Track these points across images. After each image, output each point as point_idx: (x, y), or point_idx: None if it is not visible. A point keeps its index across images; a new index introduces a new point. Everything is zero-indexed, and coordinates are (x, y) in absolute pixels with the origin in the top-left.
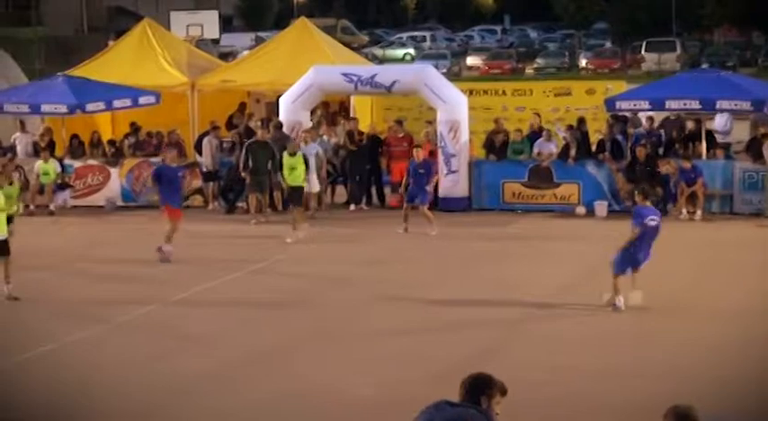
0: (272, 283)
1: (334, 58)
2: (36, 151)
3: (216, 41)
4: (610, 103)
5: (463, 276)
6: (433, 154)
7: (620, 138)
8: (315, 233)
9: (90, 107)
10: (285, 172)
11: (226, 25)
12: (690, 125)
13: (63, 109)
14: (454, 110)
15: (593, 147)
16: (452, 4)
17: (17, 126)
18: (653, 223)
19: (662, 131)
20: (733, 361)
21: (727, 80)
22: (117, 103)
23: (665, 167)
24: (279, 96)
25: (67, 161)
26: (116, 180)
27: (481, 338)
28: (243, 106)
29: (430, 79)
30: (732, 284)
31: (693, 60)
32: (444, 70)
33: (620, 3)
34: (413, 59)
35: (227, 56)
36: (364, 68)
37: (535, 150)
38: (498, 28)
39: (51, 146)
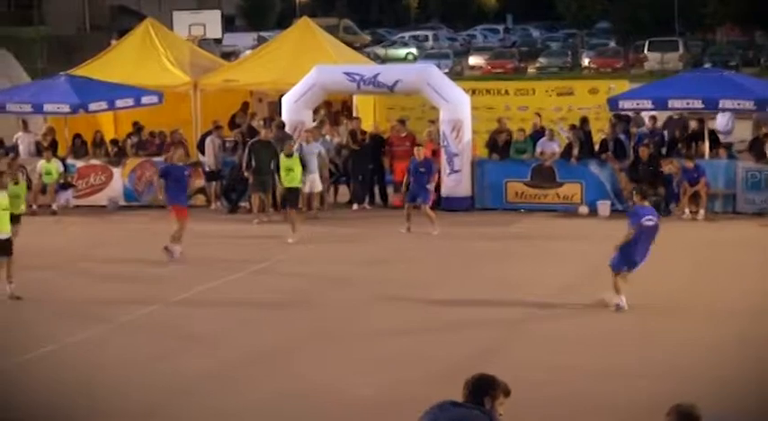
0: (274, 283)
1: (337, 57)
2: (38, 151)
3: (218, 41)
4: (612, 103)
5: (465, 276)
6: (435, 153)
7: (622, 137)
8: (317, 233)
9: (93, 107)
10: (282, 173)
11: (228, 25)
12: (693, 124)
13: (66, 108)
14: (457, 109)
15: (596, 147)
16: (455, 4)
17: (19, 125)
18: (650, 223)
19: (665, 131)
20: (733, 361)
21: (730, 80)
22: (120, 103)
23: (668, 167)
24: (281, 96)
25: (70, 161)
26: (118, 180)
27: (482, 338)
28: (246, 106)
29: (432, 79)
30: (733, 284)
31: (696, 60)
32: (447, 70)
33: (622, 2)
34: (415, 59)
35: (229, 55)
36: (367, 68)
37: (538, 150)
38: (501, 27)
39: (54, 145)
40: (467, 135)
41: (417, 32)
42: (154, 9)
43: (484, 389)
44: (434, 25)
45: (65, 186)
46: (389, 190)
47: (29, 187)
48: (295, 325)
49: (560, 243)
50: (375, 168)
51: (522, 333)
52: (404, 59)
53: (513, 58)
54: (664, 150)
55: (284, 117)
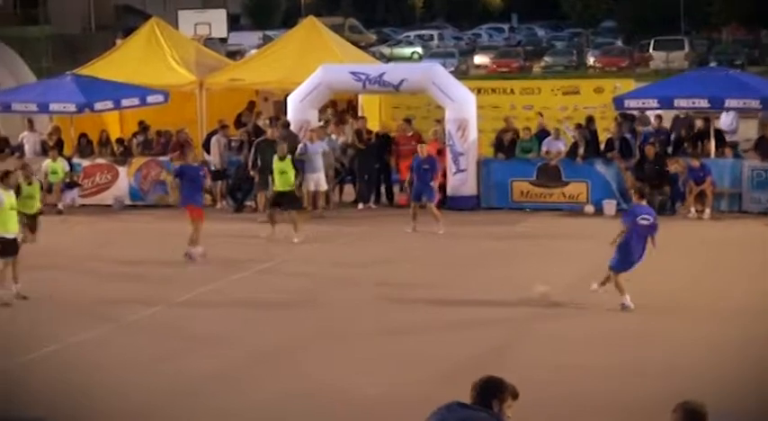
0: (279, 283)
1: (343, 56)
2: (44, 150)
3: (224, 40)
4: (618, 102)
5: (471, 275)
6: (441, 152)
7: (628, 136)
8: (322, 232)
9: (98, 106)
10: (275, 175)
11: (233, 24)
12: (699, 123)
13: (71, 108)
14: (462, 108)
15: (602, 146)
16: (460, 3)
17: (25, 125)
18: (644, 222)
19: (671, 130)
20: (735, 360)
21: (736, 79)
22: (125, 102)
23: (674, 166)
24: (287, 95)
25: (76, 160)
26: (124, 179)
27: (488, 337)
28: (252, 105)
29: (438, 78)
30: (737, 283)
31: (701, 59)
32: (452, 69)
33: (628, 1)
34: (420, 58)
35: (234, 54)
36: (372, 67)
37: (543, 149)
38: (506, 26)
39: (60, 144)
40: (472, 134)
41: (423, 31)
42: (159, 8)
43: (492, 392)
44: (440, 24)
45: (71, 185)
46: (395, 189)
47: None
48: (300, 324)
49: (566, 242)
50: (381, 167)
51: (527, 332)
52: (409, 58)
53: (519, 58)
54: (669, 149)
55: (290, 116)
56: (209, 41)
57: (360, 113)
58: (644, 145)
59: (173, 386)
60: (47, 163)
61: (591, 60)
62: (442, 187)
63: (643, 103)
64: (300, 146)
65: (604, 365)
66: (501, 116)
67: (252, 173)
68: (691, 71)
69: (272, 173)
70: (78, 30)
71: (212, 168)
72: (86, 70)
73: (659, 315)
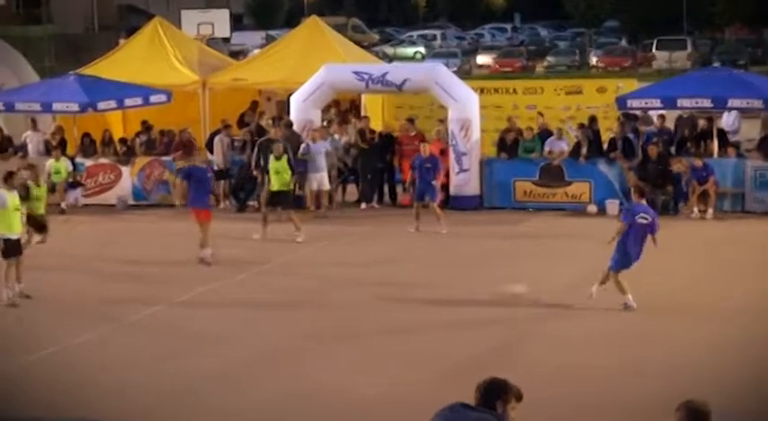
0: (281, 283)
1: (346, 56)
2: (47, 150)
3: (226, 40)
4: (621, 102)
5: (473, 275)
6: (444, 152)
7: (631, 136)
8: (325, 232)
9: (101, 105)
10: (271, 175)
11: (236, 24)
12: (702, 123)
13: (74, 107)
14: (465, 108)
15: (605, 146)
16: (463, 3)
17: (28, 124)
18: (642, 221)
19: (672, 129)
20: (735, 360)
21: (739, 78)
22: (128, 102)
23: (677, 166)
24: (290, 95)
25: (79, 159)
26: (127, 178)
27: (488, 337)
28: (255, 105)
29: (441, 77)
30: (740, 283)
31: (704, 59)
32: (455, 68)
33: (630, 1)
34: (423, 58)
35: (237, 54)
36: (375, 67)
37: (546, 149)
38: (509, 26)
39: (63, 144)
40: (475, 134)
41: (425, 31)
42: (162, 8)
43: (496, 394)
44: (442, 24)
45: (74, 185)
46: (398, 189)
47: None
48: (301, 324)
49: (569, 242)
50: (384, 167)
51: (527, 332)
52: (412, 58)
53: (522, 57)
54: (673, 149)
55: (293, 116)
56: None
57: (363, 113)
58: (647, 145)
59: (173, 386)
60: (50, 162)
61: (594, 60)
62: (445, 187)
63: (646, 103)
64: (303, 145)
65: (604, 365)
66: (504, 116)
67: (255, 172)
68: (694, 71)
69: (267, 172)
70: (81, 29)
71: (215, 168)
72: (89, 70)
73: (659, 315)
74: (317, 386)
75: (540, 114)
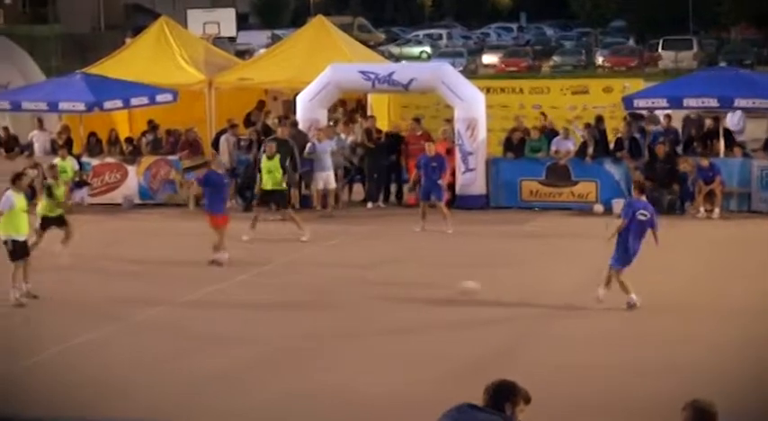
0: (285, 283)
1: (352, 55)
2: (54, 149)
3: (232, 39)
4: (627, 102)
5: (478, 275)
6: (450, 152)
7: (637, 136)
8: (331, 231)
9: (108, 105)
10: (263, 174)
11: (242, 23)
12: (708, 123)
13: (81, 107)
14: (471, 108)
15: (611, 145)
16: (469, 2)
17: (35, 124)
18: (642, 218)
19: (678, 129)
20: (734, 360)
21: (745, 78)
22: (134, 101)
23: (683, 165)
24: (296, 94)
25: (85, 159)
26: (133, 178)
27: (488, 338)
28: (261, 104)
29: (447, 77)
30: (740, 283)
31: (710, 58)
32: (460, 68)
33: (637, 1)
34: (429, 57)
35: (243, 54)
36: (381, 66)
37: (553, 148)
38: (515, 26)
39: (69, 143)
40: (481, 133)
41: (431, 31)
42: (168, 7)
43: (505, 395)
44: (448, 23)
45: (80, 184)
46: (405, 188)
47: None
48: (305, 324)
49: (575, 241)
50: (390, 167)
51: (528, 332)
52: (418, 58)
53: (528, 57)
54: (679, 149)
55: (299, 115)
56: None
57: (369, 113)
58: (653, 144)
59: (176, 386)
60: (56, 162)
61: (600, 60)
62: (451, 186)
63: (652, 103)
64: (309, 145)
65: (604, 365)
66: (510, 115)
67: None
68: (700, 71)
69: (260, 172)
70: (88, 29)
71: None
72: (96, 69)
73: (659, 315)
74: (319, 386)
75: (543, 114)
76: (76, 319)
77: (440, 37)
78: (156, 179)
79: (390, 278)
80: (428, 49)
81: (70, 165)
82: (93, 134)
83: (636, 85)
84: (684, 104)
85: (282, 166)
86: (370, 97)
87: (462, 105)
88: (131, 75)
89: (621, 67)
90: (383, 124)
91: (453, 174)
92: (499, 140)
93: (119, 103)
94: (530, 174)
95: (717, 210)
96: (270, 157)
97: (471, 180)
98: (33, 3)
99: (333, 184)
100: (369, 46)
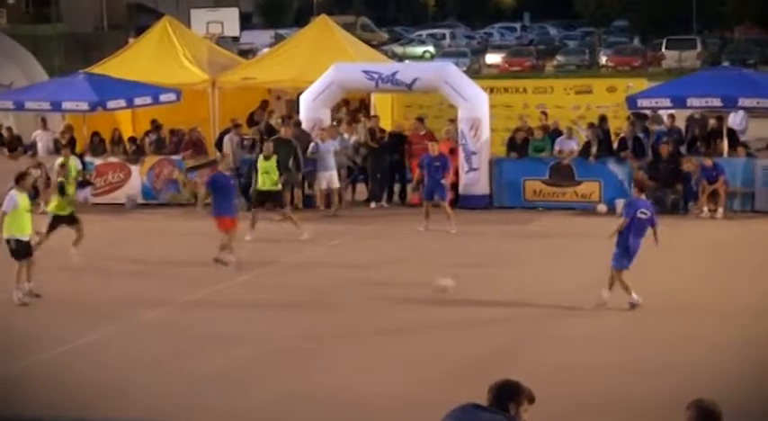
0: (288, 282)
1: (355, 55)
2: (57, 148)
3: (236, 39)
4: (631, 101)
5: (481, 274)
6: (453, 151)
7: (641, 135)
8: (335, 231)
9: (111, 104)
10: (259, 175)
11: (245, 22)
12: (712, 123)
13: (84, 106)
14: (475, 107)
15: (615, 145)
16: (472, 2)
17: (38, 123)
18: (642, 216)
19: (682, 129)
20: (734, 360)
21: (749, 78)
22: (138, 101)
23: (687, 165)
24: (299, 94)
25: (88, 158)
26: (137, 177)
27: (488, 338)
28: (265, 104)
29: (451, 77)
30: (742, 283)
31: (714, 58)
32: (464, 68)
33: (640, 0)
34: (432, 57)
35: (246, 53)
36: (385, 66)
37: (556, 148)
38: (518, 25)
39: (72, 143)
40: (485, 133)
41: (434, 30)
42: (171, 7)
43: (509, 395)
44: (451, 23)
45: (83, 184)
46: (408, 188)
47: (48, 185)
48: (306, 324)
49: (578, 241)
50: (394, 166)
51: (529, 332)
52: (421, 57)
53: (531, 57)
54: (683, 149)
55: (302, 115)
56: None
57: (372, 112)
58: (657, 144)
59: (176, 386)
60: (59, 161)
61: (603, 59)
62: (455, 186)
63: (656, 103)
64: (312, 144)
65: (604, 365)
66: (514, 115)
67: None
68: (703, 70)
69: (256, 172)
70: (90, 28)
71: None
72: (99, 69)
73: (659, 315)
74: (319, 386)
75: (544, 114)
76: (78, 319)
77: (443, 36)
78: (159, 179)
79: (393, 278)
80: (431, 48)
81: (73, 164)
82: (96, 134)
83: (639, 84)
84: (688, 104)
85: (286, 166)
86: (373, 97)
87: (466, 105)
88: (134, 74)
89: (625, 67)
90: (386, 124)
91: (457, 173)
92: (503, 140)
93: (122, 103)
94: (533, 173)
95: (720, 210)
96: (267, 158)
97: (475, 180)
98: (36, 2)
99: (336, 184)
100: (372, 45)
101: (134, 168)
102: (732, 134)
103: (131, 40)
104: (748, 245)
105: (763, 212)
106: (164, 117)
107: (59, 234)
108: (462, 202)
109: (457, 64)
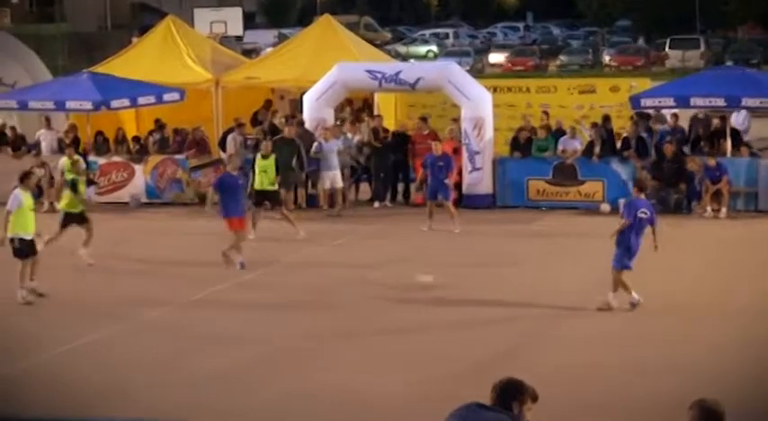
0: (290, 282)
1: (359, 55)
2: (61, 148)
3: (239, 38)
4: (635, 101)
5: (484, 274)
6: (457, 151)
7: (644, 135)
8: (338, 230)
9: (115, 104)
10: (257, 175)
11: (249, 22)
12: (715, 122)
13: (88, 105)
14: (478, 107)
15: (618, 145)
16: (475, 1)
17: (42, 123)
18: (643, 216)
19: (685, 128)
20: (734, 360)
21: (752, 77)
22: (141, 100)
23: (690, 165)
24: (303, 93)
25: (92, 158)
26: (140, 177)
27: (489, 338)
28: (268, 103)
29: (454, 76)
30: (743, 283)
31: (717, 58)
32: (467, 67)
33: (643, 0)
34: (435, 57)
35: (250, 53)
36: (388, 65)
37: (560, 147)
38: (521, 25)
39: (76, 142)
40: (488, 133)
41: (438, 30)
42: (175, 6)
43: (512, 394)
44: (455, 23)
45: (87, 183)
46: (412, 188)
47: (52, 184)
48: (308, 324)
49: (581, 240)
50: (397, 166)
51: (529, 332)
52: (424, 57)
53: (534, 56)
54: (686, 148)
55: (306, 115)
56: (224, 39)
57: (376, 112)
58: (660, 144)
59: (176, 386)
60: (63, 160)
61: (606, 59)
62: (458, 185)
63: (659, 102)
64: (315, 144)
65: (605, 365)
66: (517, 115)
67: None
68: (707, 70)
69: (254, 171)
70: (94, 28)
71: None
72: (102, 68)
73: (659, 315)
74: (319, 386)
75: (545, 113)
76: (79, 319)
77: (446, 36)
78: (162, 178)
79: (396, 277)
80: (435, 48)
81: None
82: (100, 133)
83: (643, 84)
84: (691, 104)
85: (289, 166)
86: (376, 96)
87: (469, 104)
88: (138, 74)
89: (628, 67)
90: (390, 123)
91: (460, 173)
92: (506, 140)
93: (126, 102)
94: (537, 173)
95: (724, 210)
96: (265, 157)
97: (478, 179)
98: (40, 2)
99: (340, 184)
100: (375, 45)
101: (138, 167)
102: (735, 134)
103: (135, 40)
104: (751, 244)
105: (767, 212)
106: (167, 116)
107: (68, 233)
108: (465, 202)
109: (460, 63)
